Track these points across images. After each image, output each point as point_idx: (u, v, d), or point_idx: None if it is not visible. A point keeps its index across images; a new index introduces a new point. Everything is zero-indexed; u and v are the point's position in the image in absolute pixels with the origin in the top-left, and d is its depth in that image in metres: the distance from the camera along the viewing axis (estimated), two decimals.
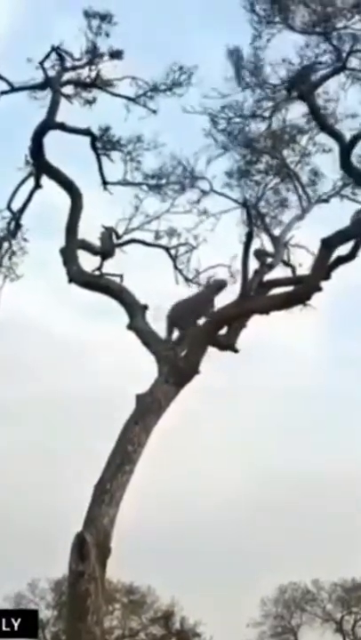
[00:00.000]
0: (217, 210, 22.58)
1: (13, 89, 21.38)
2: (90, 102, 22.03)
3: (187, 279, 22.49)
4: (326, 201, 22.75)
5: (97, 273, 21.15)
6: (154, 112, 21.93)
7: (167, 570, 56.56)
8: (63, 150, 21.36)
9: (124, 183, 22.30)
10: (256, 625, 64.19)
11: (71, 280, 20.21)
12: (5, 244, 21.88)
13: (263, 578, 58.92)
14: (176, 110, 21.74)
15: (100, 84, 21.70)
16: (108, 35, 21.29)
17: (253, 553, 59.36)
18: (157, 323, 19.97)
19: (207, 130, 22.02)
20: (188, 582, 55.85)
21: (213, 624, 56.34)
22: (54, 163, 20.57)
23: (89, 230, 21.08)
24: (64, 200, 20.51)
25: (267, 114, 21.82)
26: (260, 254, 21.61)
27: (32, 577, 57.72)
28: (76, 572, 16.34)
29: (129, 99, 21.85)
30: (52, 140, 20.61)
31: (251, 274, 20.40)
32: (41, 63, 21.13)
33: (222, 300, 20.76)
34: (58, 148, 20.86)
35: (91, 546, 16.26)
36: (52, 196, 21.16)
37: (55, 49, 21.27)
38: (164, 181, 22.41)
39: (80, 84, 21.79)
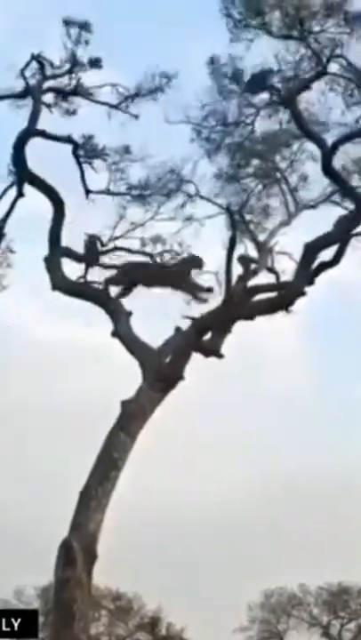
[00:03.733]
0: (201, 216, 22.67)
1: None
2: (70, 111, 22.02)
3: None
4: (314, 207, 22.81)
5: (81, 280, 21.20)
6: (135, 117, 21.93)
7: (153, 575, 56.51)
8: (48, 159, 21.43)
9: (108, 192, 22.32)
10: (243, 630, 64.03)
11: (55, 288, 20.26)
12: None
13: (250, 582, 58.83)
14: (158, 118, 21.82)
15: (80, 91, 21.69)
16: (87, 42, 21.27)
17: (240, 557, 59.20)
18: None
19: (191, 138, 22.05)
20: (175, 588, 55.78)
21: (200, 630, 56.21)
22: (38, 172, 20.60)
23: (75, 237, 21.22)
24: (48, 208, 20.62)
25: (249, 120, 21.86)
26: (245, 260, 21.71)
27: (18, 584, 57.72)
28: (62, 578, 16.39)
29: (110, 105, 21.85)
30: (37, 149, 20.69)
31: (235, 280, 20.51)
32: (21, 72, 21.11)
33: (207, 306, 20.94)
34: (42, 156, 20.92)
35: (77, 552, 16.32)
36: (37, 204, 21.19)
37: (35, 57, 21.23)
38: (147, 190, 22.42)
39: (61, 92, 21.78)
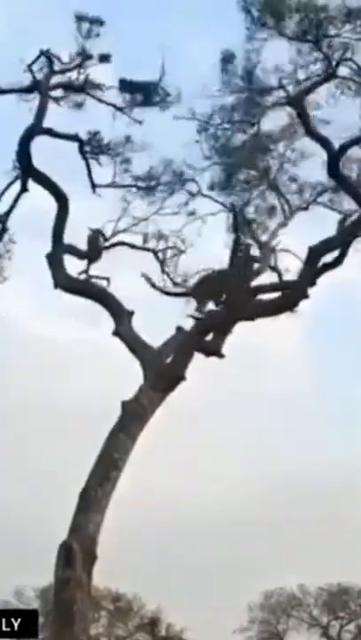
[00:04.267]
0: (204, 213, 22.60)
1: (0, 91, 21.28)
2: (78, 105, 21.98)
3: (174, 283, 22.45)
4: (306, 208, 22.74)
5: (83, 276, 21.11)
6: (140, 123, 21.93)
7: (153, 576, 56.51)
8: (52, 152, 21.36)
9: (114, 186, 22.26)
10: (243, 630, 64.00)
11: (57, 285, 20.17)
12: None
13: (250, 583, 58.82)
14: (165, 114, 21.81)
15: (88, 88, 21.65)
16: (98, 35, 21.26)
17: (240, 558, 59.22)
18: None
19: (196, 136, 21.95)
20: (175, 588, 55.77)
21: (200, 630, 56.22)
22: (42, 165, 20.54)
23: (78, 232, 21.14)
24: (52, 203, 20.53)
25: (255, 120, 21.77)
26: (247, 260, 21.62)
27: (18, 584, 57.68)
28: (62, 578, 16.34)
29: (116, 108, 21.82)
30: (42, 141, 20.62)
31: None
32: (29, 66, 21.05)
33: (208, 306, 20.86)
34: (47, 150, 20.87)
35: (77, 552, 16.26)
36: (41, 199, 21.11)
37: (44, 53, 21.18)
38: (153, 183, 22.39)
39: (69, 88, 21.74)
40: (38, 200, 21.24)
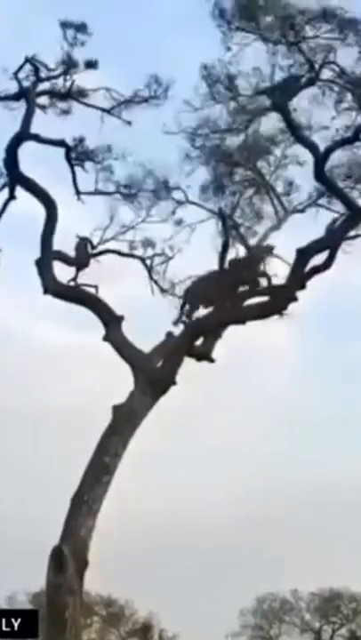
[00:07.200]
0: (193, 220, 22.57)
1: None
2: (65, 112, 21.98)
3: (162, 289, 22.42)
4: (302, 211, 22.74)
5: (72, 284, 21.10)
6: (128, 123, 21.90)
7: (146, 581, 56.42)
8: (41, 159, 21.39)
9: (98, 193, 22.24)
10: (235, 635, 64.10)
11: (46, 291, 20.15)
12: None
13: (242, 588, 58.80)
14: (152, 122, 21.77)
15: (74, 94, 21.64)
16: (83, 44, 21.24)
17: (233, 563, 59.22)
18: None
19: (183, 145, 21.93)
20: (167, 594, 55.69)
21: (192, 636, 56.18)
22: (30, 172, 20.58)
23: (61, 238, 21.12)
24: (41, 210, 20.54)
25: (242, 126, 21.78)
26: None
27: (9, 590, 57.58)
28: (54, 584, 16.33)
29: (103, 110, 21.80)
30: (26, 147, 20.65)
31: None
32: (15, 74, 21.07)
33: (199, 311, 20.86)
34: (31, 155, 20.90)
35: (68, 558, 16.24)
36: (29, 206, 21.12)
37: (29, 60, 21.19)
38: (137, 190, 22.33)
39: (55, 95, 21.73)
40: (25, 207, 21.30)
